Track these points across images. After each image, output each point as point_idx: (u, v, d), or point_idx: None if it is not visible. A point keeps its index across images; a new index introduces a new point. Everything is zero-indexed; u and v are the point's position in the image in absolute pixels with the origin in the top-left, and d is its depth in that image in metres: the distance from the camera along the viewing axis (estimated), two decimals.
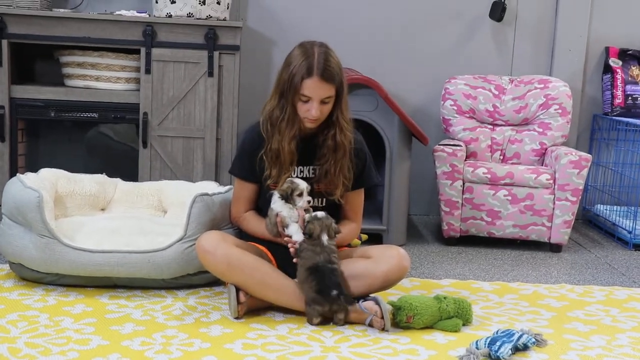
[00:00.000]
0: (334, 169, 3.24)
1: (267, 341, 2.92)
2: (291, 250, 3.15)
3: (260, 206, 3.37)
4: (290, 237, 3.16)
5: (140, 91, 4.50)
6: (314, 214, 3.14)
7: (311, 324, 3.09)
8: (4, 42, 4.39)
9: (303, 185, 3.18)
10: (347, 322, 3.11)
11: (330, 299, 3.03)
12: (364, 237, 4.31)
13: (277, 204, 3.20)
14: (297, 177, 3.24)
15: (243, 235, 3.44)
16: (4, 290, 3.34)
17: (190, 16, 4.48)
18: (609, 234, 5.05)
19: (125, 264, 3.34)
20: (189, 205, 3.45)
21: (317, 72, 3.10)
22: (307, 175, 3.29)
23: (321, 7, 5.16)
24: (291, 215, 3.18)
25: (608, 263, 4.40)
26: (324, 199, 3.30)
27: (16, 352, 2.69)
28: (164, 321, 3.08)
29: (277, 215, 3.19)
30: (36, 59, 4.84)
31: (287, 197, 3.17)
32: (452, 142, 4.67)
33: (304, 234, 3.11)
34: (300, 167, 3.29)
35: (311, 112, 3.14)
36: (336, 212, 3.34)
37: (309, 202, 3.19)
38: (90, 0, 4.92)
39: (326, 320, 3.11)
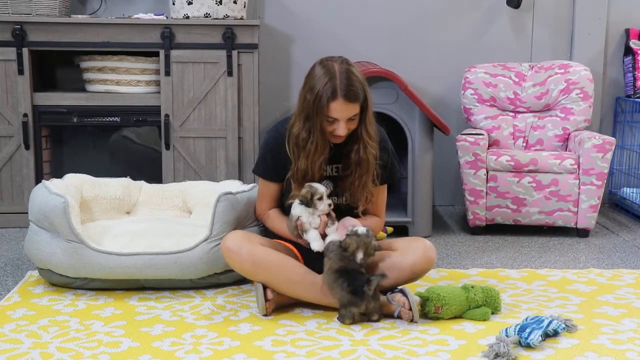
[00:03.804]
0: (358, 182, 3.22)
1: (296, 337, 2.93)
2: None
3: (284, 203, 3.38)
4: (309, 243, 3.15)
5: (161, 93, 4.52)
6: (355, 228, 3.07)
7: (343, 323, 3.07)
8: (25, 51, 4.43)
9: (322, 189, 3.15)
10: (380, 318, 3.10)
11: (364, 298, 3.00)
12: (390, 229, 4.31)
13: (297, 209, 3.18)
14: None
15: (269, 233, 3.44)
16: (34, 296, 3.37)
17: (207, 16, 4.50)
18: (637, 217, 5.01)
19: (153, 266, 3.36)
20: (214, 204, 3.47)
21: (341, 93, 3.05)
22: (330, 174, 3.27)
23: (337, 1, 5.16)
24: (311, 221, 3.15)
25: (637, 246, 4.37)
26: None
27: (48, 357, 2.72)
28: (193, 321, 3.09)
29: (297, 219, 3.18)
30: (57, 66, 4.88)
31: (308, 202, 3.14)
32: (474, 131, 4.65)
33: (339, 246, 3.06)
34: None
35: (338, 131, 3.13)
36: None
37: (330, 205, 3.15)
38: (107, 5, 4.96)
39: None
